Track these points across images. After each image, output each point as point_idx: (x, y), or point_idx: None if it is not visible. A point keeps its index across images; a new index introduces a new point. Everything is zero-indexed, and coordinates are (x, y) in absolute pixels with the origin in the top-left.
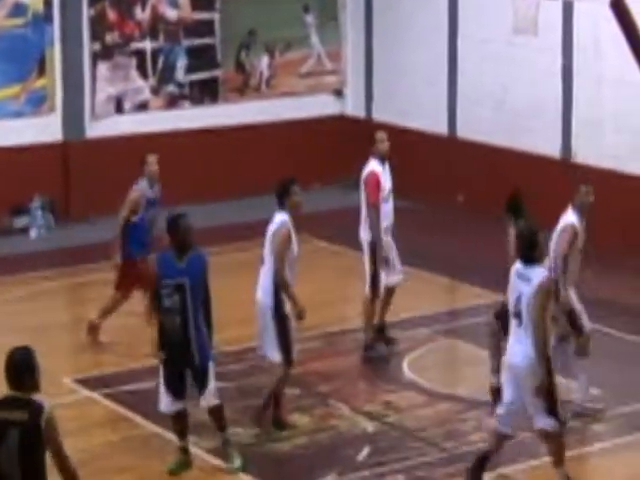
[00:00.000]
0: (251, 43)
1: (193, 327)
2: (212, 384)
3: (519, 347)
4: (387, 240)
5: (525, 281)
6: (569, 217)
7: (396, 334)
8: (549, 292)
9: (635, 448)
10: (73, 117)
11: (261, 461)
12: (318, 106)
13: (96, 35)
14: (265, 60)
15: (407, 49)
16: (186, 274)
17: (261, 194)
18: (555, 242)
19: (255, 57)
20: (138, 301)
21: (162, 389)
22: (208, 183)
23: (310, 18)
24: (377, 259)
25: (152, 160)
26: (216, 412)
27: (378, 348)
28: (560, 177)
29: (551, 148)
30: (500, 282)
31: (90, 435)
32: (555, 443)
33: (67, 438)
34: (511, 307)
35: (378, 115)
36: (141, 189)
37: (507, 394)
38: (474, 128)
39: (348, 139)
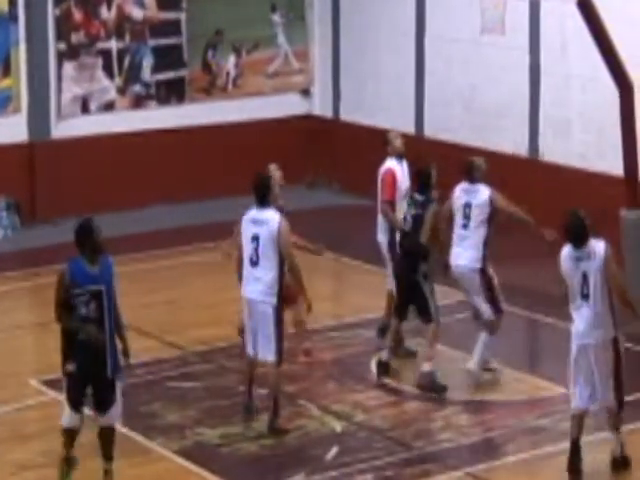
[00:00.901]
0: (218, 43)
1: (109, 336)
2: (120, 403)
3: (587, 326)
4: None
5: (586, 260)
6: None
7: (364, 334)
8: (612, 257)
9: (604, 446)
10: (39, 117)
11: (228, 462)
12: (285, 106)
13: (62, 35)
14: (232, 60)
15: (375, 48)
16: (101, 280)
17: (228, 195)
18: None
19: (222, 57)
20: None
21: (65, 403)
22: (175, 184)
23: (277, 17)
24: (393, 256)
25: None
26: (111, 435)
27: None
28: (527, 176)
29: (519, 147)
30: None
31: (56, 437)
32: (618, 417)
33: (33, 440)
34: (577, 290)
35: (346, 115)
36: None
37: (580, 374)
38: (441, 127)
39: (316, 139)
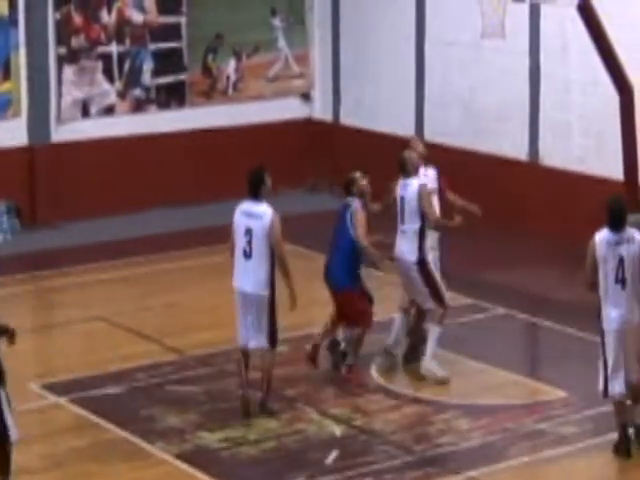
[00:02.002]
0: (218, 47)
1: None
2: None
3: (624, 311)
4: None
5: (624, 244)
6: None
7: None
8: None
9: (603, 450)
10: (39, 121)
11: (228, 465)
12: (285, 110)
13: (62, 39)
14: (232, 64)
15: (375, 52)
16: None
17: (228, 199)
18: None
19: (222, 61)
20: (105, 304)
21: None
22: (175, 188)
23: (277, 21)
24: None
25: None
26: (9, 452)
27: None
28: (527, 179)
29: (518, 151)
30: (464, 286)
31: (56, 441)
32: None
33: (33, 444)
34: (611, 275)
35: (345, 119)
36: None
37: (617, 359)
38: (441, 131)
39: (316, 142)
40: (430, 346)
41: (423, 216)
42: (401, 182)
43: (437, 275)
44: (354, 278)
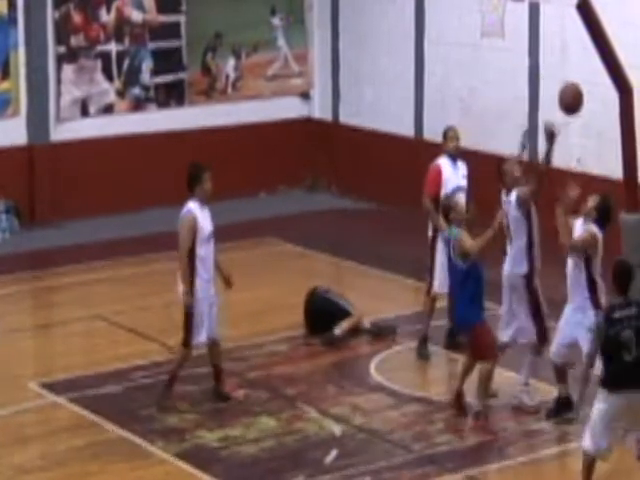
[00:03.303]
0: (217, 46)
1: None
2: None
3: None
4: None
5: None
6: None
7: (363, 336)
8: None
9: None
10: (38, 120)
11: (228, 464)
12: (285, 109)
13: (61, 38)
14: (231, 63)
15: (374, 51)
16: None
17: (228, 198)
18: None
19: (221, 60)
20: (104, 303)
21: None
22: (174, 187)
23: (277, 20)
24: (433, 253)
25: None
26: None
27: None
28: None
29: (517, 151)
30: None
31: (56, 440)
32: None
33: (32, 443)
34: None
35: (345, 118)
36: None
37: None
38: (441, 130)
39: (315, 142)
40: (525, 374)
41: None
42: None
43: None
44: (473, 311)
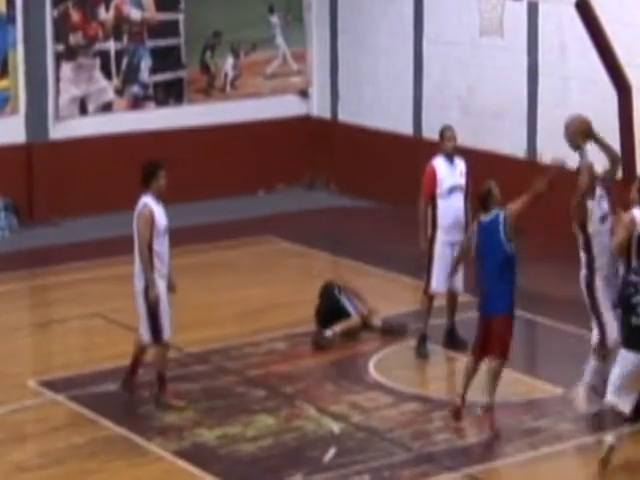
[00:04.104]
0: (216, 44)
1: None
2: None
3: None
4: (451, 243)
5: None
6: None
7: (361, 334)
8: None
9: (601, 447)
10: (36, 118)
11: (226, 462)
12: (283, 107)
13: (59, 36)
14: (230, 61)
15: (373, 49)
16: None
17: (227, 196)
18: None
19: (220, 58)
20: (103, 301)
21: None
22: (172, 184)
23: (275, 19)
24: (431, 251)
25: None
26: None
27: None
28: (525, 177)
29: (516, 149)
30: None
31: (54, 438)
32: None
33: (32, 441)
34: None
35: (344, 116)
36: None
37: None
38: (440, 129)
39: (314, 140)
40: (585, 375)
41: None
42: None
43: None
44: (508, 302)
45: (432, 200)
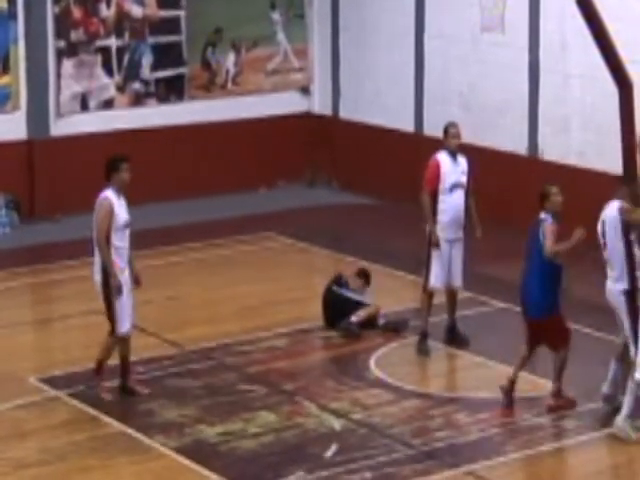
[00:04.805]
0: (217, 40)
1: None
2: None
3: None
4: (449, 239)
5: None
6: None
7: (362, 331)
8: None
9: (603, 444)
10: (38, 115)
11: (227, 459)
12: (285, 103)
13: (61, 32)
14: (231, 57)
15: (374, 46)
16: None
17: (229, 192)
18: None
19: (221, 54)
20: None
21: None
22: (174, 181)
23: (276, 15)
24: (430, 248)
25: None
26: None
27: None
28: (526, 174)
29: (518, 145)
30: (463, 280)
31: (55, 435)
32: None
33: (32, 438)
34: None
35: (345, 113)
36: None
37: None
38: (441, 125)
39: (315, 137)
40: (626, 403)
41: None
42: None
43: None
44: (552, 301)
45: (433, 195)
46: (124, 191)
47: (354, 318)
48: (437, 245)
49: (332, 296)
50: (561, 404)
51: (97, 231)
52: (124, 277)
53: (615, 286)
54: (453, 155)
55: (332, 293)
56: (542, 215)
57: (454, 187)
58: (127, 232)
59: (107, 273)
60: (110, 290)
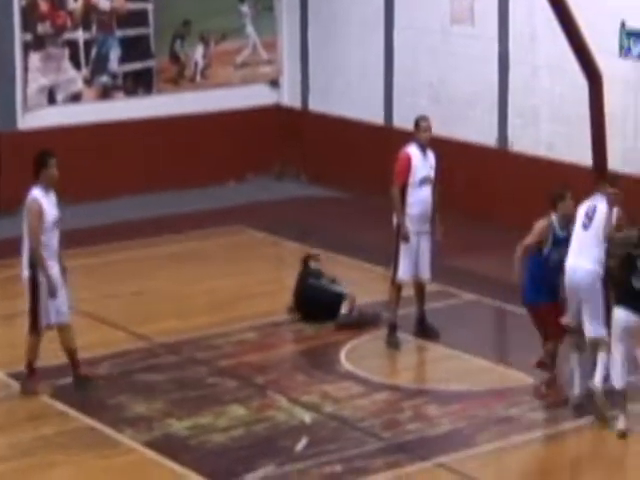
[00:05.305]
0: (185, 33)
1: None
2: None
3: None
4: (418, 233)
5: None
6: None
7: (332, 324)
8: None
9: (575, 435)
10: (5, 108)
11: (197, 453)
12: (254, 96)
13: (28, 25)
14: (200, 50)
15: (343, 39)
16: None
17: (197, 186)
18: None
19: (190, 47)
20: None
21: None
22: (142, 175)
23: (245, 8)
24: (398, 241)
25: None
26: None
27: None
28: (496, 165)
29: (487, 137)
30: (434, 272)
31: (22, 430)
32: None
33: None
34: None
35: (314, 105)
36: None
37: None
38: (411, 118)
39: (284, 129)
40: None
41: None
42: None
43: None
44: (540, 290)
45: (403, 188)
46: (54, 187)
47: (344, 310)
48: (406, 238)
49: (312, 290)
50: (550, 394)
51: (29, 234)
52: (54, 273)
53: (589, 266)
54: (423, 149)
55: (312, 287)
56: (552, 216)
57: (423, 181)
58: (57, 228)
59: (35, 270)
60: (36, 287)
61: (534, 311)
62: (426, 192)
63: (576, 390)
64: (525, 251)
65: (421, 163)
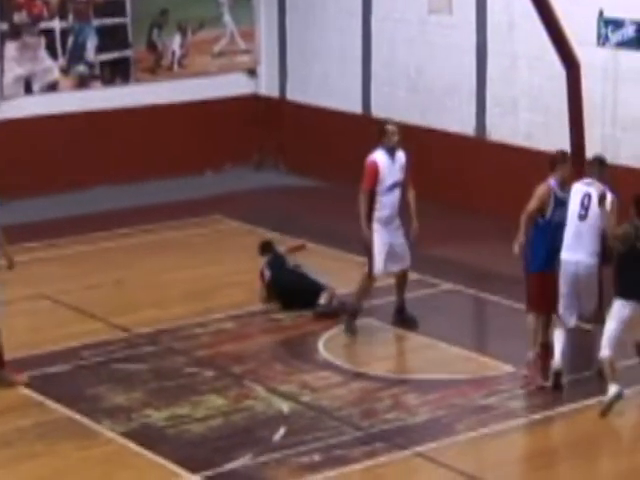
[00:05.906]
0: (163, 22)
1: None
2: None
3: None
4: (389, 228)
5: None
6: None
7: (310, 314)
8: None
9: (553, 423)
10: None
11: (175, 443)
12: (231, 86)
13: (4, 14)
14: (177, 39)
15: (321, 28)
16: None
17: (174, 175)
18: None
19: (167, 36)
20: (50, 283)
21: None
22: (120, 164)
23: None
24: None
25: None
26: None
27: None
28: (474, 155)
29: (466, 126)
30: (411, 261)
31: (1, 421)
32: None
33: None
34: None
35: (292, 95)
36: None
37: None
38: (388, 107)
39: (262, 119)
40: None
41: None
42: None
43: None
44: (530, 259)
45: (371, 194)
46: None
47: (322, 300)
48: (369, 245)
49: (294, 276)
50: (529, 374)
51: None
52: None
53: (589, 260)
54: (391, 152)
55: (293, 273)
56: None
57: (393, 186)
58: None
59: None
60: None
61: (540, 279)
62: (396, 194)
63: (556, 363)
64: (530, 217)
65: (388, 170)
